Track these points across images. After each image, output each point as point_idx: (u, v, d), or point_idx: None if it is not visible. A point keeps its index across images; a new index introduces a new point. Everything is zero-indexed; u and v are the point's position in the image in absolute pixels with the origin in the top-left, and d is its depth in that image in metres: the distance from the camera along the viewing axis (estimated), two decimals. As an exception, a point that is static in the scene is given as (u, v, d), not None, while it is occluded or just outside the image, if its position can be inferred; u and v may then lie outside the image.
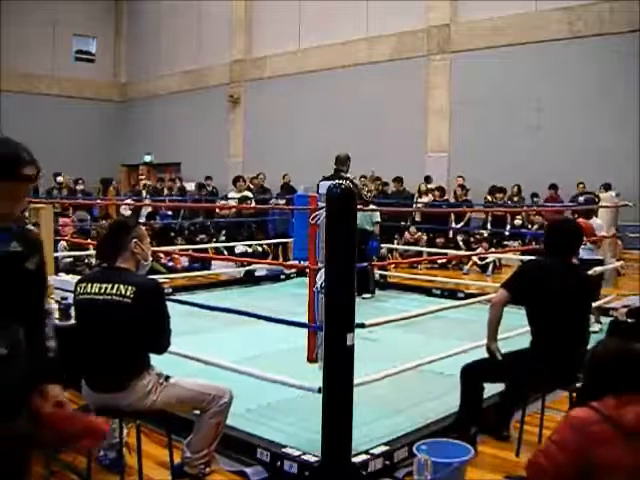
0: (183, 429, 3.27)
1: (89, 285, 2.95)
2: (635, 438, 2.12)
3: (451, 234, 12.56)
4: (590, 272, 6.50)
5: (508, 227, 12.14)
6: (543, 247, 3.95)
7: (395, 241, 11.98)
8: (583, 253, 7.24)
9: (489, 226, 12.20)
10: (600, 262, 7.15)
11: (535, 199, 12.92)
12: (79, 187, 14.59)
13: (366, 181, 12.38)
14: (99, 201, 14.93)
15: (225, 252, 10.77)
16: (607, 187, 11.12)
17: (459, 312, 6.04)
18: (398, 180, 13.16)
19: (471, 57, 14.59)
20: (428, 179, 13.91)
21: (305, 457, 3.26)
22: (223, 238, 11.85)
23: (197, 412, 3.14)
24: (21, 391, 1.81)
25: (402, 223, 12.38)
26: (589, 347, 3.89)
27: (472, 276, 10.61)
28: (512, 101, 13.93)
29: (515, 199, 13.12)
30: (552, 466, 2.19)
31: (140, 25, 22.75)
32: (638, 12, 12.15)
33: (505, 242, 12.04)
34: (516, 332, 4.45)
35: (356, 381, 3.25)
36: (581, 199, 7.65)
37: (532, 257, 4.13)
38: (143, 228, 3.20)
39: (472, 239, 12.02)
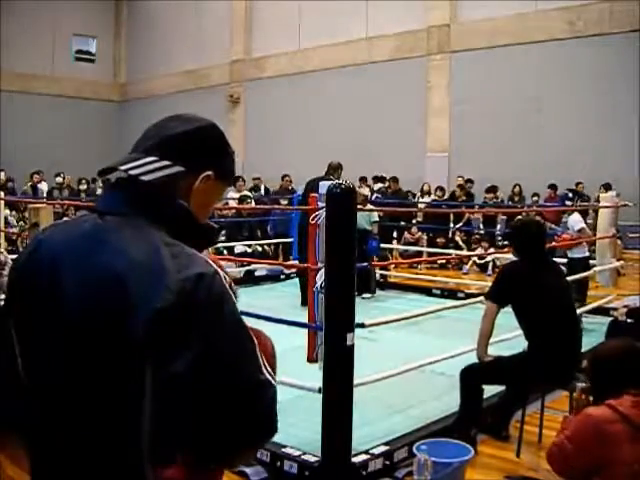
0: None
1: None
2: None
3: (450, 234, 12.57)
4: (586, 273, 6.53)
5: (499, 227, 12.13)
6: (513, 251, 3.95)
7: (394, 241, 11.96)
8: (571, 251, 7.24)
9: (481, 225, 12.22)
10: (586, 260, 7.13)
11: (535, 198, 12.92)
12: (82, 187, 14.55)
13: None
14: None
15: (225, 252, 10.76)
16: (607, 187, 11.12)
17: (459, 312, 6.04)
18: (394, 180, 13.16)
19: (471, 57, 14.59)
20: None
21: (305, 457, 3.26)
22: (223, 238, 11.84)
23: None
24: None
25: (402, 223, 12.38)
26: (585, 344, 3.92)
27: (472, 276, 10.61)
28: (512, 101, 13.92)
29: (515, 199, 13.12)
30: (567, 461, 2.24)
31: (140, 25, 22.75)
32: (638, 12, 12.15)
33: (501, 242, 12.03)
34: (514, 334, 4.45)
35: (356, 381, 3.24)
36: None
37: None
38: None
39: (473, 239, 12.00)
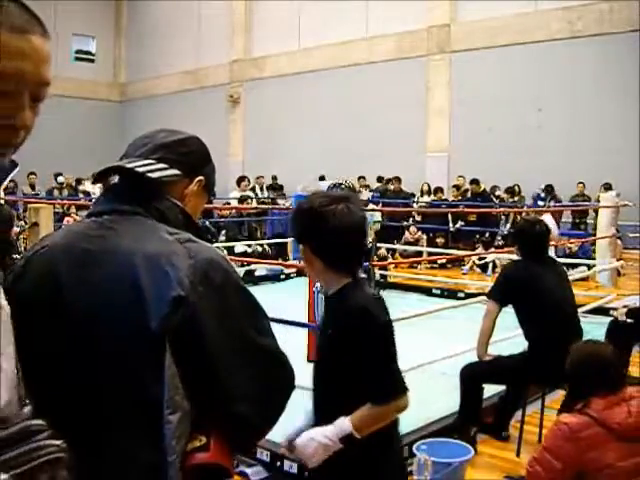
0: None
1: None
2: (624, 438, 2.14)
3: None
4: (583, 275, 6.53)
5: (508, 226, 12.11)
6: (516, 250, 3.95)
7: (394, 241, 11.96)
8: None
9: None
10: None
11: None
12: (80, 187, 14.57)
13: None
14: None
15: (225, 252, 10.77)
16: (608, 187, 11.13)
17: (459, 312, 6.04)
18: (396, 180, 13.18)
19: (471, 57, 14.59)
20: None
21: (305, 457, 3.25)
22: (223, 238, 11.86)
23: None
24: None
25: (404, 223, 12.38)
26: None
27: (472, 276, 10.60)
28: (512, 101, 13.92)
29: (515, 199, 13.11)
30: (549, 473, 2.21)
31: (140, 25, 22.74)
32: (638, 12, 12.15)
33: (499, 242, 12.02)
34: (514, 333, 4.45)
35: (356, 381, 3.24)
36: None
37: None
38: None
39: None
